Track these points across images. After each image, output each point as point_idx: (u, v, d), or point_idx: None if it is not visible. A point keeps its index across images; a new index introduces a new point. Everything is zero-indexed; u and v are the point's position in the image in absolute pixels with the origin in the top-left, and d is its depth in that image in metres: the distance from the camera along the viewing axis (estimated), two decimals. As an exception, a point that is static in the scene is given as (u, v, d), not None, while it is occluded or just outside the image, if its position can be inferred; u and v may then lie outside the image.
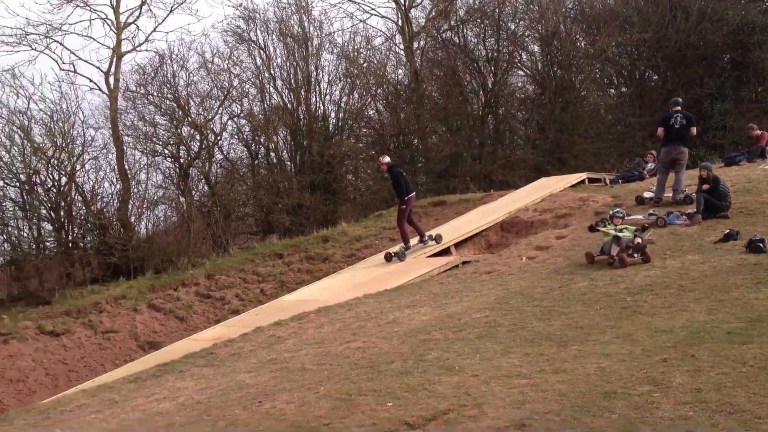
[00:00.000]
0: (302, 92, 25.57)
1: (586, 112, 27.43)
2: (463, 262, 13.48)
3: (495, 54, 27.52)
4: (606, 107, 28.09)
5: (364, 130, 28.44)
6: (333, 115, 26.87)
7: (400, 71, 29.32)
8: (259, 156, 25.68)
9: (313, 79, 25.91)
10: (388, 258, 14.14)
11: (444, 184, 24.98)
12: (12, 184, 19.42)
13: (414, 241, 14.60)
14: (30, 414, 8.34)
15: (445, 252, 14.64)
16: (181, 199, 22.31)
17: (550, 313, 8.05)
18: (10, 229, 19.25)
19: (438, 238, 14.57)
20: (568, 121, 26.22)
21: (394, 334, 8.36)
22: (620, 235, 10.35)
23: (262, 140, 25.48)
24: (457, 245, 14.99)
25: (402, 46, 28.91)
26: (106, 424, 7.08)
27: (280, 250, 18.38)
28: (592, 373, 5.83)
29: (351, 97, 27.08)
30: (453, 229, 16.08)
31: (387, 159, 14.88)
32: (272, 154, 25.84)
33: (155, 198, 22.40)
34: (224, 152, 24.59)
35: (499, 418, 5.10)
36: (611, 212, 11.33)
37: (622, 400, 5.14)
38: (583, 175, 19.12)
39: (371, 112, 28.45)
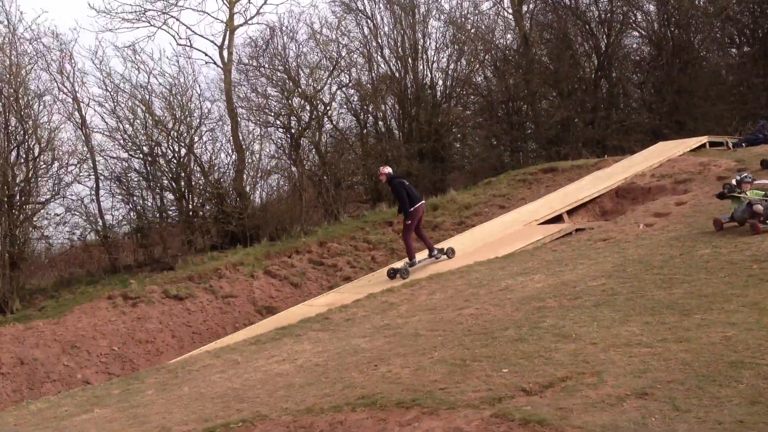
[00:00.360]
0: (409, 60, 25.47)
1: (706, 73, 26.08)
2: (577, 230, 13.22)
3: (608, 15, 26.51)
4: (727, 68, 26.63)
5: (472, 97, 28.09)
6: (440, 82, 26.67)
7: (508, 36, 28.74)
8: (368, 125, 25.80)
9: (420, 47, 25.76)
10: (391, 275, 12.33)
11: (555, 150, 24.44)
12: (136, 156, 20.33)
13: (421, 255, 12.93)
14: (160, 373, 8.84)
15: (558, 219, 14.38)
16: (293, 168, 22.74)
17: (671, 282, 7.80)
18: (135, 198, 20.18)
19: (450, 252, 12.89)
20: (686, 82, 25.05)
21: (507, 301, 8.32)
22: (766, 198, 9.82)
23: (370, 109, 25.59)
24: (570, 212, 14.70)
25: (510, 10, 28.29)
26: (230, 384, 7.42)
27: (390, 218, 18.56)
28: (717, 342, 5.63)
29: (459, 64, 26.76)
30: (565, 196, 15.77)
31: (387, 170, 12.97)
32: (380, 123, 25.93)
33: (268, 168, 22.93)
34: (333, 122, 24.87)
35: (620, 387, 5.02)
36: (739, 177, 10.73)
37: (749, 370, 4.96)
38: (704, 139, 18.30)
39: (479, 78, 28.05)
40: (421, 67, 25.88)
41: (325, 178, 22.34)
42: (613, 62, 26.92)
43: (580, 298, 7.77)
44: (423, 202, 12.92)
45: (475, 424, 4.87)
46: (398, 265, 12.86)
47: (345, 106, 25.33)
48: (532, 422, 4.66)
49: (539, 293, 8.39)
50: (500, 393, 5.30)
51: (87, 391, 8.69)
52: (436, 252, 12.83)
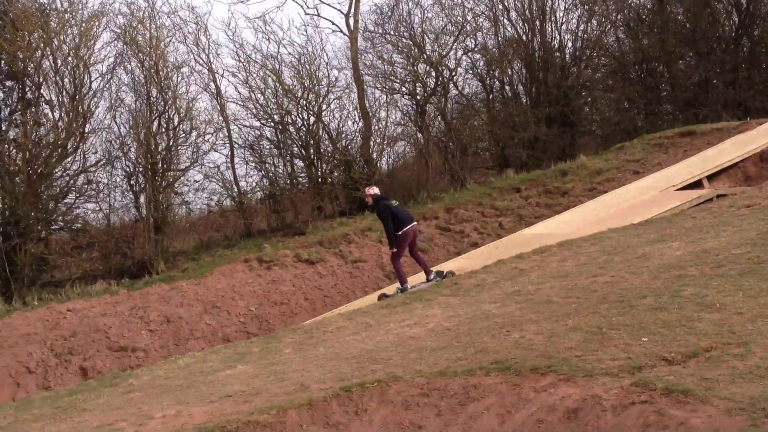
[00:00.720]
0: (537, 23, 24.80)
1: None
2: (718, 195, 12.61)
3: (751, -32, 24.86)
4: None
5: (603, 59, 27.12)
6: (569, 44, 25.85)
7: (642, -6, 27.48)
8: (494, 90, 25.41)
9: (548, 8, 25.02)
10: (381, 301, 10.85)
11: (692, 112, 23.29)
12: (267, 125, 20.93)
13: (416, 280, 11.71)
14: (296, 333, 9.18)
15: (697, 185, 13.77)
16: (419, 135, 22.79)
17: (825, 250, 7.32)
18: (267, 165, 20.87)
19: (450, 275, 11.13)
20: (840, 38, 23.24)
21: (645, 269, 8.06)
22: None
23: (496, 74, 25.20)
24: (710, 177, 14.04)
25: (645, -33, 27.02)
26: (364, 345, 7.60)
27: (518, 184, 18.35)
28: None
29: (589, 25, 25.84)
30: (705, 161, 15.07)
31: (373, 191, 11.68)
32: (507, 87, 25.48)
33: (394, 134, 23.11)
34: (459, 88, 24.65)
35: (770, 358, 4.79)
36: None
37: None
38: None
39: (610, 39, 27.03)
40: (549, 29, 25.19)
41: (450, 144, 22.29)
42: (756, 20, 25.24)
43: (724, 266, 7.42)
44: (414, 223, 11.47)
45: (614, 392, 4.79)
46: (390, 290, 11.60)
47: (471, 72, 25.05)
48: (676, 392, 4.53)
49: (679, 261, 8.07)
50: (640, 362, 5.18)
51: (229, 348, 9.14)
52: (433, 275, 11.35)
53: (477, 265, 11.05)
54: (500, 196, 17.83)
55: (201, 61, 20.54)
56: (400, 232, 11.12)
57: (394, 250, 11.24)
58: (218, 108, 20.42)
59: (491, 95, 25.25)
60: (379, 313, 9.22)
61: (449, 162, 22.00)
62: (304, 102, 21.05)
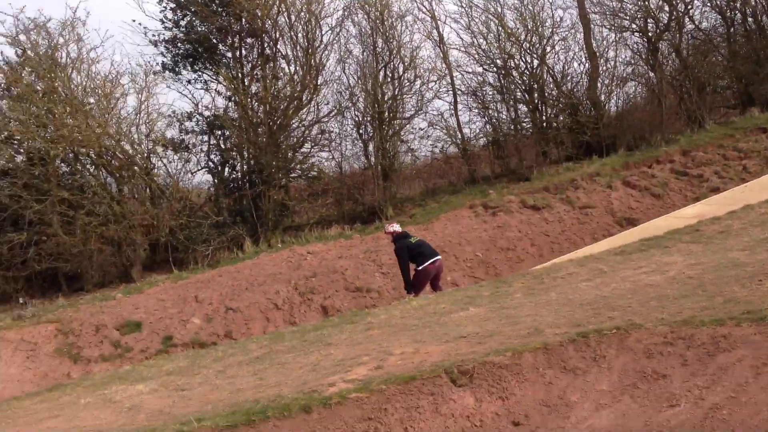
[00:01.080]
0: (792, -59, 22.26)
1: None
2: None
3: None
4: None
5: None
6: (829, -36, 22.95)
7: None
8: (735, 23, 23.26)
9: (803, -74, 22.33)
10: None
11: None
12: (490, 70, 20.74)
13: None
14: (525, 278, 9.17)
15: None
16: (651, 74, 21.48)
17: None
18: (490, 111, 20.76)
19: None
20: None
21: None
22: None
23: (738, 5, 23.00)
24: None
25: None
26: (598, 291, 7.42)
27: (764, 124, 16.89)
28: None
29: None
30: None
31: (392, 228, 11.17)
32: (750, 19, 23.21)
33: (624, 75, 21.94)
34: (695, 22, 22.82)
35: None
36: None
37: None
38: None
39: None
40: (805, -53, 22.47)
41: (686, 82, 20.80)
42: None
43: None
44: (438, 258, 10.87)
45: None
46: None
47: (708, 4, 23.06)
48: None
49: None
50: None
51: (460, 292, 9.34)
52: None
53: (720, 211, 10.35)
54: (744, 137, 16.49)
55: (424, 9, 20.72)
56: (421, 267, 10.65)
57: (412, 294, 10.57)
58: (441, 55, 20.55)
59: (732, 29, 23.12)
60: (613, 259, 8.95)
61: (685, 102, 20.57)
62: (528, 45, 20.57)
